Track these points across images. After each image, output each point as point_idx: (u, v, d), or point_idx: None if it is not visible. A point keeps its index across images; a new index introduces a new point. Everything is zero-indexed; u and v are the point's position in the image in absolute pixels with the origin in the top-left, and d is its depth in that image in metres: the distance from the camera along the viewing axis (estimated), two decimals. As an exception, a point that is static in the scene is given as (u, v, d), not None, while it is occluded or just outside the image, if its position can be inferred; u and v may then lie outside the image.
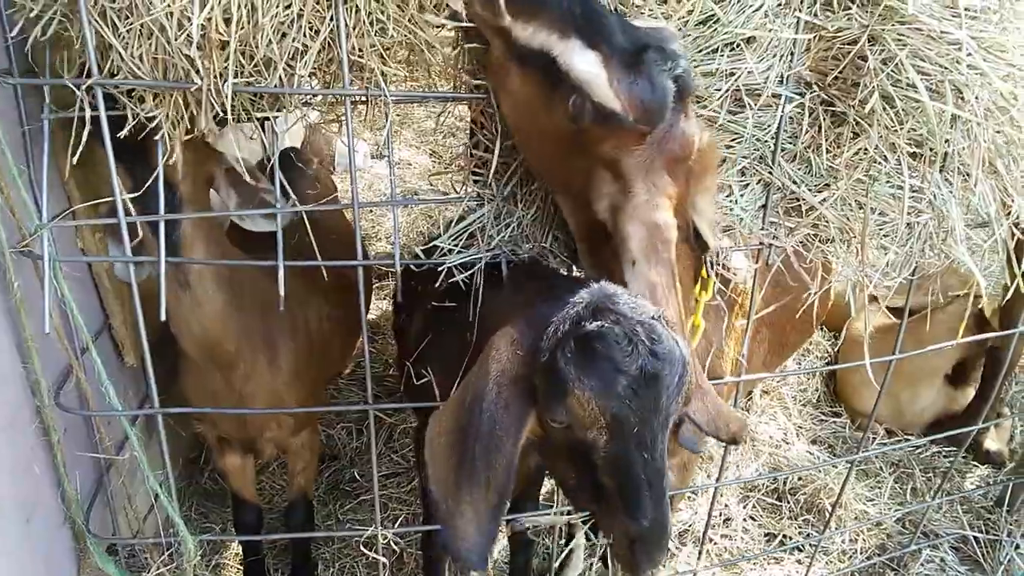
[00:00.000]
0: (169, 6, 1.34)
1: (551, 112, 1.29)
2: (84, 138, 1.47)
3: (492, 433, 1.13)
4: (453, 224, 1.69)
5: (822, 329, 4.16)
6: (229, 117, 1.46)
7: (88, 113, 1.45)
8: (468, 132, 1.68)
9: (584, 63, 1.22)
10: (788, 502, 3.13)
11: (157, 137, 1.51)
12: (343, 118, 1.60)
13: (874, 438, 3.53)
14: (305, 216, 1.72)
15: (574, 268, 1.80)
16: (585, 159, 1.32)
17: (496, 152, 1.57)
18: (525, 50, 1.29)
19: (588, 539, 2.71)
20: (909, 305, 2.07)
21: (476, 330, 1.64)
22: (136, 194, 1.58)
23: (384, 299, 4.24)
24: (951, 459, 3.40)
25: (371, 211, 5.21)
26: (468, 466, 1.13)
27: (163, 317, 1.65)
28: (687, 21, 1.43)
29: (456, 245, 1.67)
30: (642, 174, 1.29)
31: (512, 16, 1.29)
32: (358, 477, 3.17)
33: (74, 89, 1.43)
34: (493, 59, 1.40)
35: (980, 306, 3.11)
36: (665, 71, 1.21)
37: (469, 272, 1.65)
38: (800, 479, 3.21)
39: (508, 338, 1.18)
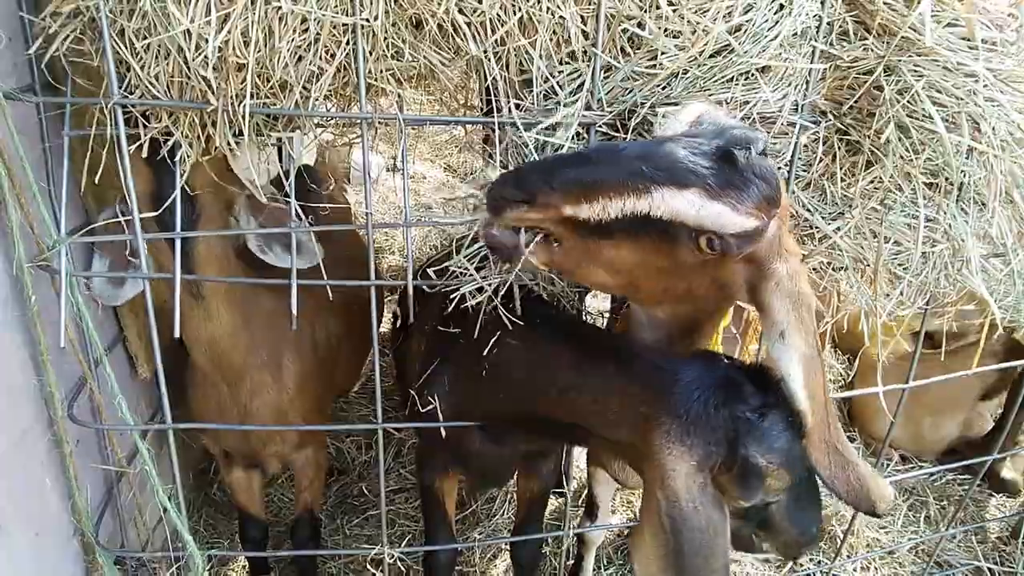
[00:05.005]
0: (187, 27, 1.36)
1: (673, 257, 1.23)
2: (103, 157, 1.49)
3: (704, 544, 1.17)
4: (466, 245, 1.67)
5: (836, 352, 4.11)
6: (245, 138, 1.48)
7: (110, 131, 1.48)
8: (482, 149, 1.68)
9: (692, 206, 1.14)
10: (799, 527, 3.08)
11: (177, 157, 1.53)
12: (358, 138, 1.61)
13: (888, 464, 3.49)
14: (318, 236, 1.73)
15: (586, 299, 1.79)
16: (720, 269, 1.26)
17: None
18: (606, 222, 1.20)
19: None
20: (938, 332, 2.05)
21: (487, 364, 1.62)
22: (155, 213, 1.60)
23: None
24: (966, 487, 3.35)
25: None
26: None
27: (177, 334, 1.66)
28: (702, 52, 1.42)
29: (470, 267, 1.65)
30: (775, 249, 1.24)
31: (571, 202, 1.20)
32: (366, 492, 3.17)
33: (102, 107, 1.45)
34: (565, 249, 1.28)
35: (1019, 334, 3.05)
36: (754, 158, 1.15)
37: (484, 296, 1.64)
38: (811, 504, 3.16)
39: (674, 455, 1.21)
